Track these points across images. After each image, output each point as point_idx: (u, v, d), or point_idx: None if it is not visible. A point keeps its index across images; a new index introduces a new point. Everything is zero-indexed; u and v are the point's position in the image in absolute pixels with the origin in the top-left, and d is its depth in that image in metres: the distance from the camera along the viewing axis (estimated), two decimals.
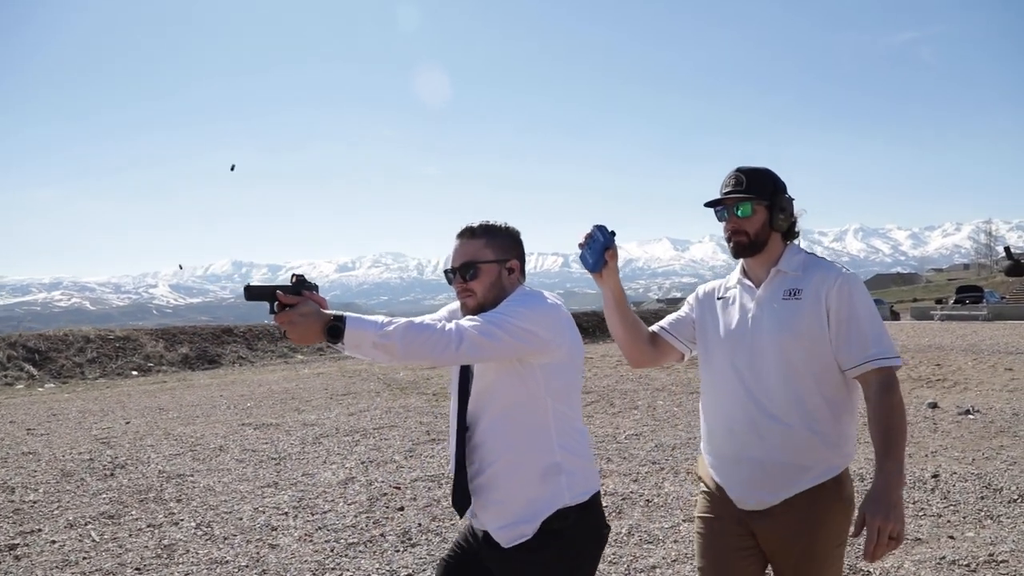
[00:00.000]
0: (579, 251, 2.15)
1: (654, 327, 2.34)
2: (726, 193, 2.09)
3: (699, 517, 2.19)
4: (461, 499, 2.01)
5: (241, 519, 5.16)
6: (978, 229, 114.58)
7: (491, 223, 2.06)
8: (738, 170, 2.10)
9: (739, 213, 2.07)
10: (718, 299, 2.22)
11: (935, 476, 5.43)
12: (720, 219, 2.14)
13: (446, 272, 2.06)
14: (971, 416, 7.84)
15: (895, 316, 35.84)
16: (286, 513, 5.28)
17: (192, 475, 6.51)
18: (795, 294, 2.01)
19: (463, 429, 2.01)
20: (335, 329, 1.68)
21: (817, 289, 1.98)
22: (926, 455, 6.14)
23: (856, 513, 1.90)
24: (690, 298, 2.35)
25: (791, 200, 2.12)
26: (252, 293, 1.76)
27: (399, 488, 5.83)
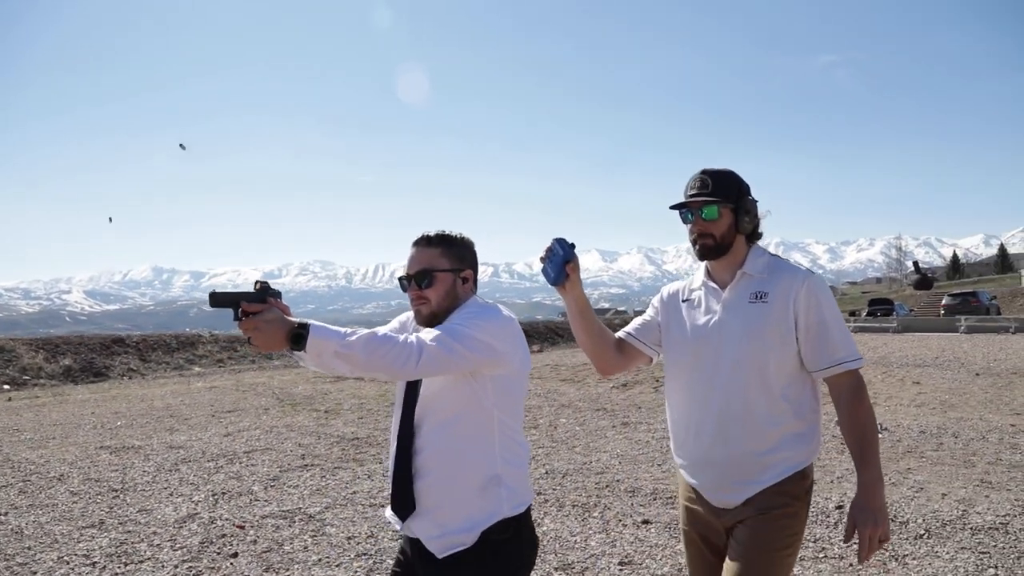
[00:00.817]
0: (540, 265, 2.20)
1: (620, 333, 2.37)
2: (691, 196, 2.11)
3: (683, 531, 2.27)
4: (404, 504, 1.97)
5: (35, 574, 4.26)
6: (889, 244, 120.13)
7: (447, 232, 2.08)
8: (703, 172, 2.11)
9: (705, 216, 2.08)
10: (683, 301, 2.24)
11: (839, 507, 4.96)
12: (685, 221, 2.14)
13: (401, 279, 2.08)
14: (880, 435, 7.50)
15: None
16: (94, 563, 4.41)
17: (7, 513, 5.52)
18: (761, 297, 2.05)
19: (408, 433, 1.99)
20: (298, 336, 1.66)
21: (785, 293, 2.03)
22: (832, 481, 5.69)
23: (836, 518, 2.00)
24: (655, 300, 2.35)
25: (755, 202, 2.14)
26: (217, 300, 1.74)
27: (242, 527, 5.02)
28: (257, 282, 1.76)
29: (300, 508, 5.46)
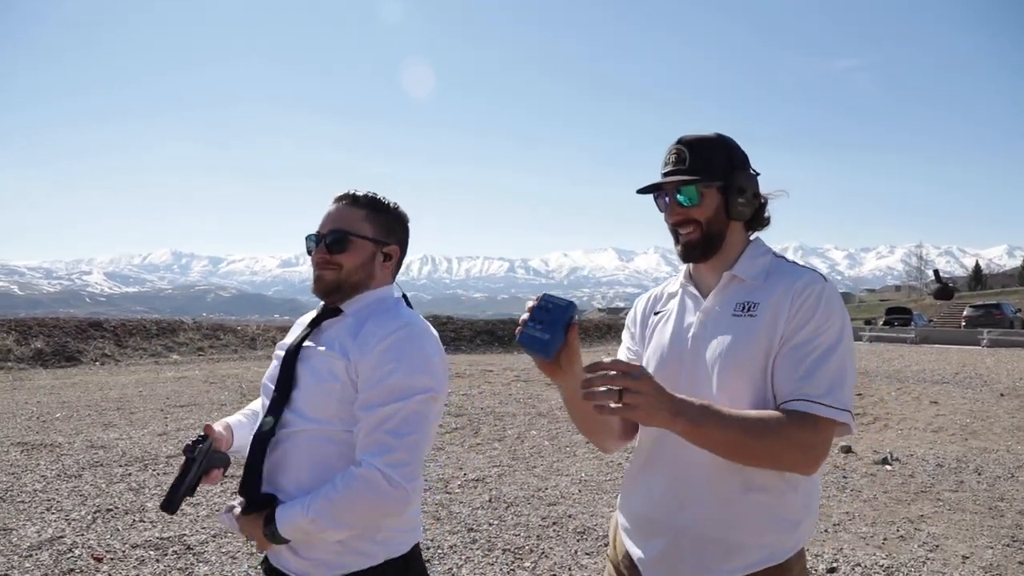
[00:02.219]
0: (521, 330, 1.41)
1: None
2: (665, 174, 1.60)
3: None
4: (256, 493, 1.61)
5: None
6: (910, 252, 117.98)
7: (379, 196, 1.75)
8: (680, 142, 1.59)
9: (681, 200, 1.57)
10: (655, 314, 1.72)
11: (832, 571, 3.96)
12: (661, 210, 1.64)
13: (308, 238, 1.72)
14: (888, 467, 6.49)
15: None
16: None
17: None
18: (749, 309, 1.51)
19: (263, 442, 1.61)
20: (273, 535, 1.54)
21: (778, 304, 1.48)
22: (827, 529, 4.69)
23: None
24: (628, 321, 1.82)
25: (755, 177, 1.61)
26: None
27: (100, 560, 4.14)
28: (188, 447, 1.68)
29: (183, 536, 4.56)
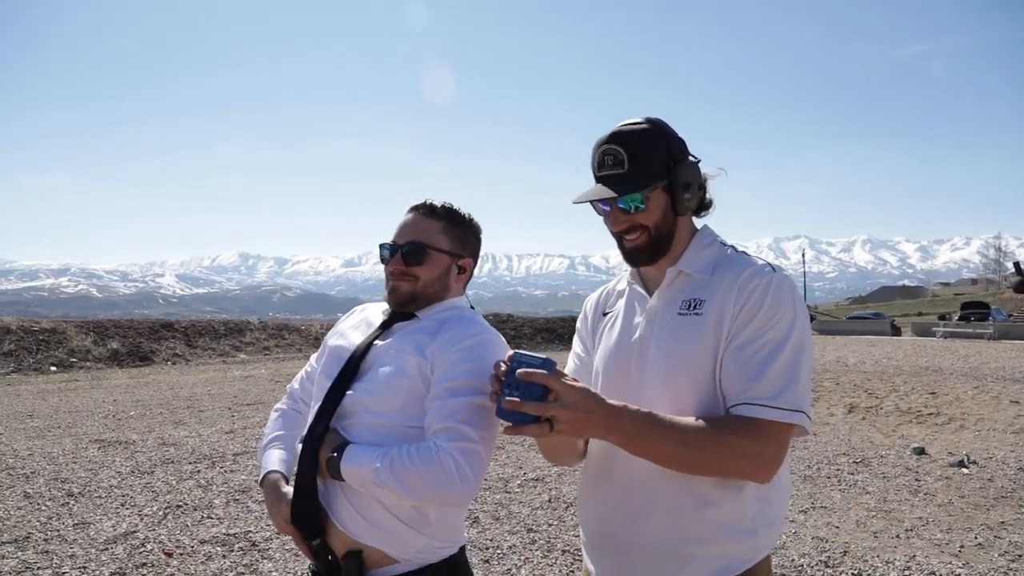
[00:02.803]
0: (495, 401, 1.31)
1: None
2: (601, 178, 1.44)
3: None
4: (310, 519, 1.54)
5: None
6: (987, 244, 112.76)
7: (456, 208, 1.72)
8: (611, 140, 1.42)
9: (625, 207, 1.43)
10: (604, 315, 1.62)
11: None
12: (601, 214, 1.50)
13: (383, 247, 1.69)
14: (965, 470, 6.20)
15: (896, 331, 34.12)
16: None
17: None
18: (695, 307, 1.40)
19: (317, 440, 1.54)
20: (334, 465, 1.49)
21: (723, 299, 1.36)
22: (898, 535, 4.51)
23: None
24: (579, 324, 1.71)
25: (696, 165, 1.46)
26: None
27: (170, 555, 4.28)
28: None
29: (248, 532, 4.69)
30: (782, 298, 1.34)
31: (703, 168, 1.48)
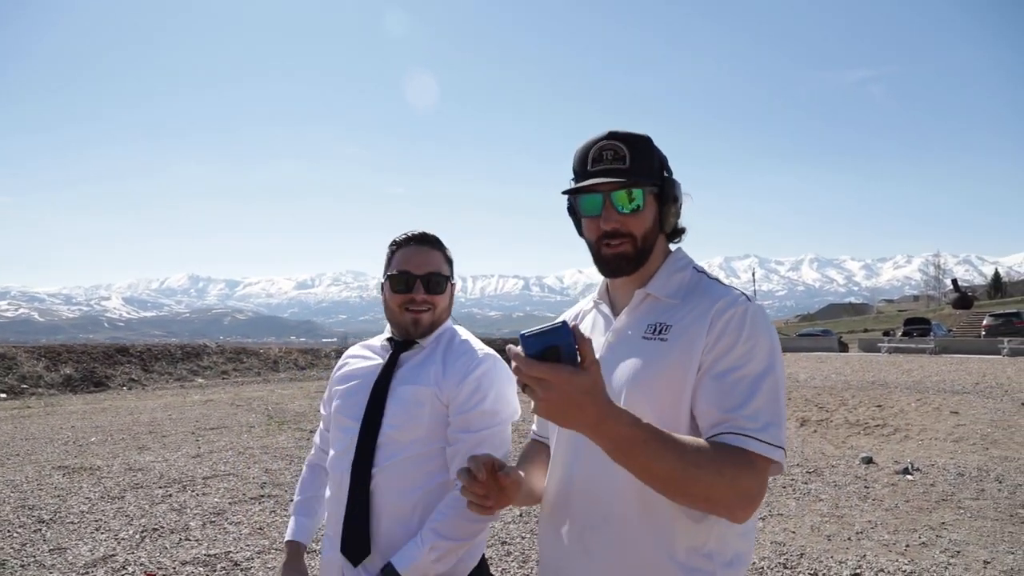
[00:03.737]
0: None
1: (531, 436, 1.68)
2: (598, 172, 1.35)
3: None
4: (358, 547, 1.69)
5: None
6: (928, 262, 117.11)
7: (438, 237, 1.85)
8: (613, 135, 1.35)
9: (620, 205, 1.35)
10: None
11: (856, 575, 4.10)
12: (588, 213, 1.39)
13: (400, 277, 1.78)
14: (910, 477, 6.60)
15: (843, 348, 35.24)
16: None
17: None
18: (660, 331, 1.34)
19: (366, 468, 1.71)
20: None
21: (693, 328, 1.30)
22: (849, 537, 4.82)
23: None
24: None
25: (679, 184, 1.43)
26: None
27: None
28: None
29: (229, 553, 4.77)
30: (759, 329, 1.28)
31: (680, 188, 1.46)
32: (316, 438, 2.07)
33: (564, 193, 1.41)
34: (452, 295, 1.88)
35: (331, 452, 1.85)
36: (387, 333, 1.91)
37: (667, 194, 1.38)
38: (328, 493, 1.83)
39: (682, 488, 1.15)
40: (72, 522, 5.57)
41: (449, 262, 1.88)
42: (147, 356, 18.75)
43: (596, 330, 1.48)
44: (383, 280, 1.87)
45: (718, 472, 1.15)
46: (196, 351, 19.89)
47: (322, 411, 2.03)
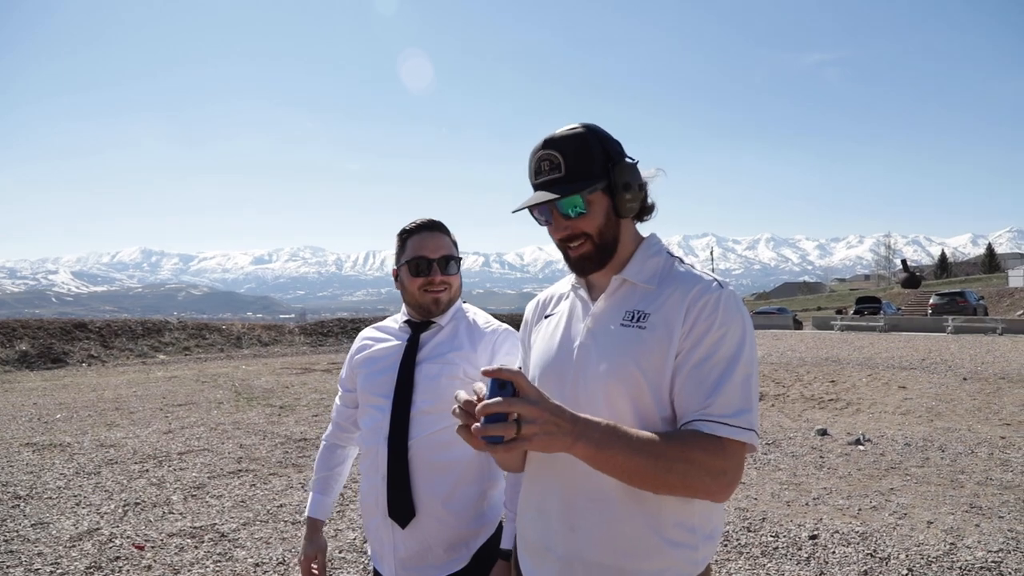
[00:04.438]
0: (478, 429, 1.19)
1: None
2: (540, 185, 1.39)
3: None
4: (404, 510, 1.85)
5: None
6: (879, 242, 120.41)
7: (443, 223, 2.00)
8: (547, 145, 1.38)
9: (565, 211, 1.39)
10: (544, 317, 1.57)
11: (813, 537, 4.41)
12: (543, 223, 1.44)
13: (419, 262, 1.93)
14: (861, 447, 6.99)
15: (798, 325, 36.24)
16: None
17: None
18: (639, 319, 1.36)
19: (403, 435, 1.86)
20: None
21: (671, 315, 1.33)
22: (807, 503, 5.15)
23: None
24: (521, 333, 1.67)
25: (635, 166, 1.41)
26: None
27: (141, 548, 4.44)
28: None
29: (215, 524, 4.89)
30: (732, 314, 1.32)
31: (641, 170, 1.44)
32: (334, 415, 2.20)
33: (513, 212, 1.43)
34: (461, 274, 2.04)
35: (361, 429, 2.00)
36: (403, 315, 2.06)
37: (617, 181, 1.37)
38: (364, 465, 1.96)
39: (660, 481, 1.22)
40: (50, 498, 5.61)
41: (455, 244, 2.01)
42: (106, 332, 18.45)
43: (573, 314, 1.49)
44: (398, 267, 2.01)
45: (690, 460, 1.22)
46: (157, 327, 19.63)
47: (341, 390, 2.17)
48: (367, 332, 2.13)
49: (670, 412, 1.32)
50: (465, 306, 2.07)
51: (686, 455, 1.22)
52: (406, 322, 2.03)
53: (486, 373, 1.14)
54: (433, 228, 1.98)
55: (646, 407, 1.32)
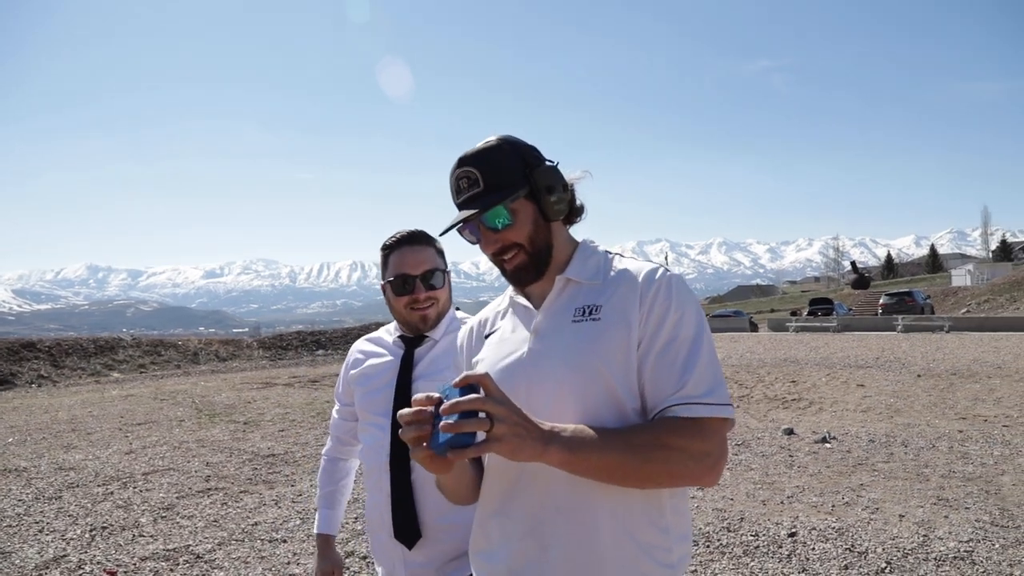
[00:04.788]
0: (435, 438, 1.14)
1: None
2: (462, 203, 1.36)
3: None
4: (410, 530, 1.80)
5: None
6: (827, 245, 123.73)
7: (427, 232, 1.92)
8: (462, 163, 1.35)
9: (491, 224, 1.35)
10: (486, 336, 1.49)
11: (792, 535, 4.50)
12: (475, 242, 1.40)
13: (401, 279, 1.88)
14: (828, 445, 7.15)
15: (754, 327, 36.93)
16: None
17: None
18: (591, 312, 1.32)
19: (405, 459, 1.80)
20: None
21: (624, 303, 1.30)
22: (782, 501, 5.25)
23: None
24: (456, 360, 1.57)
25: (555, 168, 1.39)
26: None
27: (113, 574, 4.30)
28: None
29: (188, 546, 4.76)
30: (684, 294, 1.32)
31: (564, 172, 1.42)
32: (333, 429, 2.17)
33: (441, 235, 1.43)
34: (450, 283, 1.99)
35: (361, 445, 1.97)
36: (395, 331, 2.01)
37: (539, 186, 1.36)
38: (369, 483, 1.93)
39: (642, 474, 1.19)
40: (10, 525, 5.39)
41: (441, 254, 1.96)
42: (56, 351, 17.85)
43: (517, 325, 1.43)
44: (383, 284, 1.96)
45: (668, 447, 1.19)
46: (110, 344, 19.06)
47: (338, 404, 2.14)
48: (361, 345, 2.08)
49: (640, 403, 1.29)
50: (459, 315, 2.03)
51: (662, 442, 1.19)
52: (400, 337, 1.99)
53: (456, 386, 1.11)
54: (414, 241, 1.92)
55: (615, 400, 1.27)
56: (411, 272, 1.88)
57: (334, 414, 2.17)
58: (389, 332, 2.04)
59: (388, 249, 1.93)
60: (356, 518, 5.10)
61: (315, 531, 2.12)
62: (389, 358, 1.96)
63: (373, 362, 1.99)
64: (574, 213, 1.44)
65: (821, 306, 39.66)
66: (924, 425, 8.04)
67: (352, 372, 2.04)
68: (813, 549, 4.25)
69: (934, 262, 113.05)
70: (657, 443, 1.19)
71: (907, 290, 40.76)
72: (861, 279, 65.91)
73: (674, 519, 1.31)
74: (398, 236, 1.93)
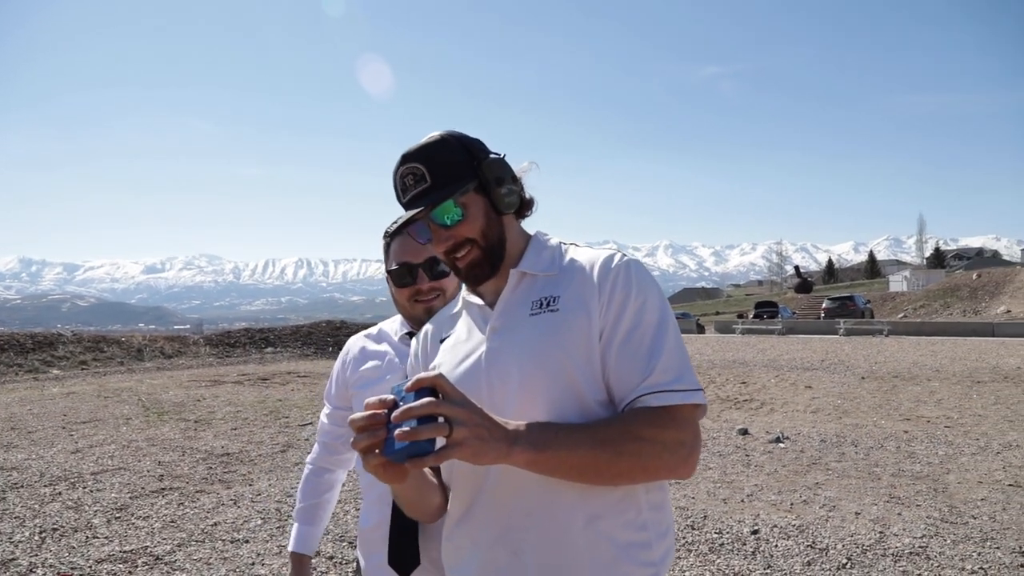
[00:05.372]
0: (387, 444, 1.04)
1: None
2: (409, 201, 1.29)
3: None
4: (406, 558, 1.63)
5: None
6: (770, 249, 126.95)
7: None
8: (407, 158, 1.28)
9: (444, 221, 1.28)
10: (441, 341, 1.41)
11: (755, 532, 4.61)
12: (425, 242, 1.34)
13: (401, 270, 1.72)
14: (782, 444, 7.35)
15: (701, 329, 37.67)
16: None
17: None
18: (549, 304, 1.27)
19: None
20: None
21: (583, 291, 1.25)
22: (742, 500, 5.37)
23: None
24: (409, 367, 1.50)
25: (502, 159, 1.32)
26: None
27: None
28: None
29: (146, 547, 4.62)
30: (644, 280, 1.26)
31: (512, 165, 1.36)
32: (320, 435, 1.99)
33: (391, 236, 1.39)
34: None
35: (357, 454, 1.80)
36: (401, 325, 1.86)
37: (488, 178, 1.29)
38: (366, 490, 1.80)
39: (614, 469, 1.14)
40: None
41: None
42: None
43: (472, 326, 1.37)
44: (386, 275, 1.80)
45: (640, 439, 1.14)
46: (49, 340, 18.35)
47: (328, 407, 1.96)
48: (360, 342, 1.92)
49: (606, 395, 1.23)
50: None
51: (634, 434, 1.14)
52: (407, 334, 1.81)
53: (409, 390, 1.04)
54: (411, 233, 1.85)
55: (580, 394, 1.21)
56: (413, 260, 1.73)
57: (323, 418, 1.98)
58: (393, 328, 1.89)
59: (390, 237, 1.76)
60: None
61: (289, 549, 1.91)
62: (395, 357, 1.82)
63: (377, 361, 1.84)
64: (525, 206, 1.37)
65: (766, 309, 40.70)
66: (871, 426, 8.33)
67: (351, 372, 1.87)
68: (776, 546, 4.36)
69: (872, 268, 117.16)
70: (629, 435, 1.14)
71: (848, 295, 42.13)
72: (804, 283, 67.89)
73: (652, 515, 1.25)
74: (400, 221, 1.85)
